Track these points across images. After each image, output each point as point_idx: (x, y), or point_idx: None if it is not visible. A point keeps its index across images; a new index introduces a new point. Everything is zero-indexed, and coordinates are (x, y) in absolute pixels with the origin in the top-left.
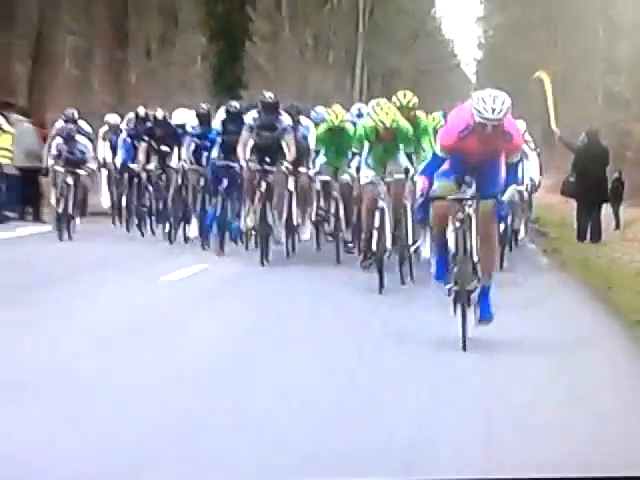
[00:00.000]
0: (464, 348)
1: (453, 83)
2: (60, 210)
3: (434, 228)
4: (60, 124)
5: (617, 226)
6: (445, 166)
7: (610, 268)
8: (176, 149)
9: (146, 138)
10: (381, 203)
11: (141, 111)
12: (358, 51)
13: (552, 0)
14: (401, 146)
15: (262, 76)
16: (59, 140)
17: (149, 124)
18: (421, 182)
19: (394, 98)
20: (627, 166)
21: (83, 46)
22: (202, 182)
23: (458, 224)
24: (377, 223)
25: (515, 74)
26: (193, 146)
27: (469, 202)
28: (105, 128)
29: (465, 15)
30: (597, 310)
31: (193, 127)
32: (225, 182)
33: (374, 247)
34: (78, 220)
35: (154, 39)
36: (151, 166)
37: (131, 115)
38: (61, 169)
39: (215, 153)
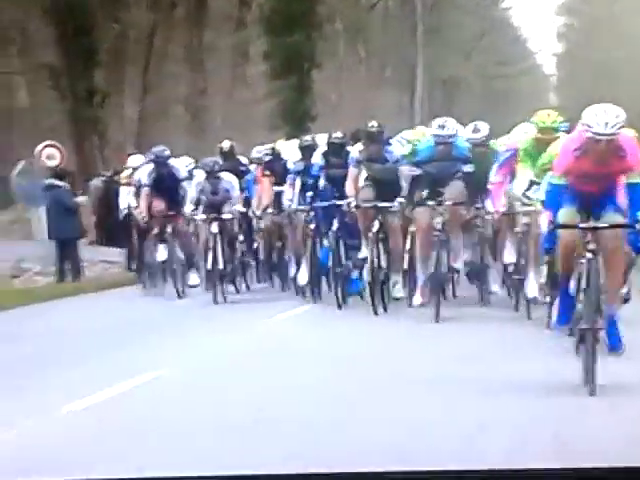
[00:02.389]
0: (592, 393)
1: (528, 88)
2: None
3: (562, 260)
4: (149, 167)
5: None
6: (565, 196)
7: None
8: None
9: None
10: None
11: (226, 145)
12: (418, 59)
13: None
14: None
15: (324, 104)
16: (199, 179)
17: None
18: (546, 216)
19: (535, 118)
20: None
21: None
22: (313, 224)
23: (590, 255)
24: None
25: (601, 75)
26: (299, 183)
27: (599, 232)
28: (128, 172)
29: (542, 5)
30: None
31: (296, 163)
32: (335, 223)
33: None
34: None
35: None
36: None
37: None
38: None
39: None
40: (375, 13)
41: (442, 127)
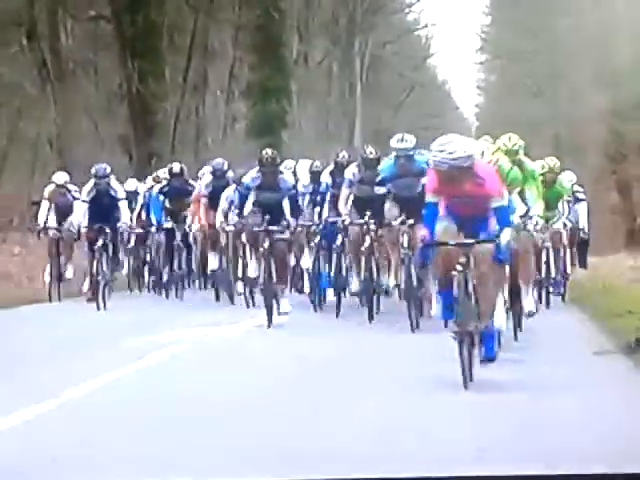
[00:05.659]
0: (465, 387)
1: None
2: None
3: (440, 272)
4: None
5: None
6: (442, 212)
7: None
8: None
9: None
10: None
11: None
12: (356, 114)
13: (557, 56)
14: None
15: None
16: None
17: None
18: (423, 231)
19: (499, 142)
20: None
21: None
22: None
23: (460, 268)
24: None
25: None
26: (308, 202)
27: (469, 247)
28: (52, 187)
29: (463, 62)
30: None
31: (305, 186)
32: (339, 239)
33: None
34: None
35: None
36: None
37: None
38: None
39: (326, 209)
40: (321, 75)
41: (401, 140)
